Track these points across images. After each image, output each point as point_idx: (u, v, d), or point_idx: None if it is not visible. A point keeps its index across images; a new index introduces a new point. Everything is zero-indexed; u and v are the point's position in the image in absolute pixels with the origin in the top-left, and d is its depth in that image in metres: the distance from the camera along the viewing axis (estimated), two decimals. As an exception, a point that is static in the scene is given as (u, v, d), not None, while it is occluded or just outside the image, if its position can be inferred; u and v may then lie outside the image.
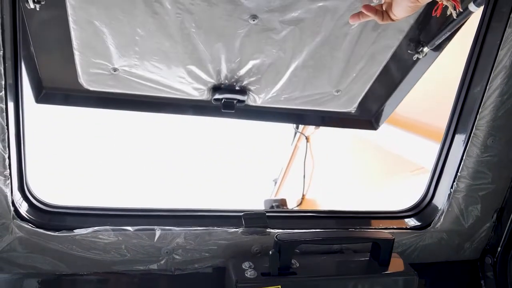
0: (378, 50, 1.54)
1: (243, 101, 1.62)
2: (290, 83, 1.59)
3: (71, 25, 1.28)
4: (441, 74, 2.46)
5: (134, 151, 8.04)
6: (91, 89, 1.51)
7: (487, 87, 1.52)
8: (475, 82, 1.57)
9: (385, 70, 1.67)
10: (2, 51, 1.20)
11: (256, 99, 1.65)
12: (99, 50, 1.36)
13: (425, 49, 1.62)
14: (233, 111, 1.63)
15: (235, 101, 1.61)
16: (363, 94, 1.75)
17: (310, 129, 4.40)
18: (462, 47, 1.66)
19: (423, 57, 1.64)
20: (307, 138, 4.50)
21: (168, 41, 1.35)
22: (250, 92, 1.60)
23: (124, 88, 1.52)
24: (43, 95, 1.54)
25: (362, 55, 1.55)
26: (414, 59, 1.65)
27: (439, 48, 1.65)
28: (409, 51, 1.62)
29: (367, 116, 1.93)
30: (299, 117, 1.85)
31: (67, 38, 1.34)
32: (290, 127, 4.79)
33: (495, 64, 1.48)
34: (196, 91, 1.57)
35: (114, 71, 1.44)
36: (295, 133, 4.78)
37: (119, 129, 7.94)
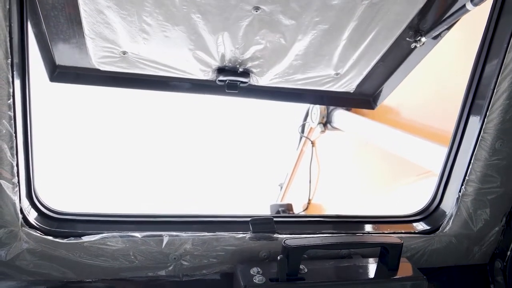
0: (378, 38, 1.59)
1: (246, 82, 1.69)
2: (291, 66, 1.65)
3: (82, 14, 1.35)
4: (447, 76, 2.46)
5: (140, 157, 8.05)
6: (102, 69, 1.58)
7: (495, 90, 1.51)
8: (483, 85, 1.57)
9: (384, 57, 1.72)
10: (10, 59, 1.21)
11: (258, 80, 1.72)
12: (109, 37, 1.43)
13: (423, 39, 1.64)
14: (237, 91, 1.70)
15: (238, 82, 1.68)
16: (361, 77, 1.81)
17: (315, 134, 4.39)
18: (469, 49, 1.66)
19: (420, 46, 1.66)
20: (312, 143, 4.50)
21: (174, 29, 1.42)
22: (253, 74, 1.68)
23: (133, 69, 1.60)
24: (57, 74, 1.60)
25: (362, 43, 1.60)
26: (412, 47, 1.68)
27: (436, 38, 1.67)
28: (407, 39, 1.64)
29: (365, 96, 1.97)
30: (299, 96, 1.90)
31: (79, 25, 1.39)
32: (296, 132, 4.79)
33: (503, 67, 1.48)
34: (201, 73, 1.64)
35: (124, 54, 1.52)
36: (301, 138, 4.77)
37: (124, 134, 7.96)
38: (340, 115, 3.92)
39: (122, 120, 7.66)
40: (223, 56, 1.55)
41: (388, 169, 3.23)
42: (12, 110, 1.27)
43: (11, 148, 1.29)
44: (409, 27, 1.59)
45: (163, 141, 8.14)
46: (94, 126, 7.72)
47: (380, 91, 1.93)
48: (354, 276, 1.54)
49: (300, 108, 4.61)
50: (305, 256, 1.52)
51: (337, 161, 4.24)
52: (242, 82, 1.66)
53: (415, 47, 1.67)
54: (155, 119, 7.84)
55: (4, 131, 1.27)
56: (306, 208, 4.54)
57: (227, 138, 8.40)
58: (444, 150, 1.76)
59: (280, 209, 4.39)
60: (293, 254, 1.43)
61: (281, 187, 5.27)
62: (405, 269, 1.58)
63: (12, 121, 1.28)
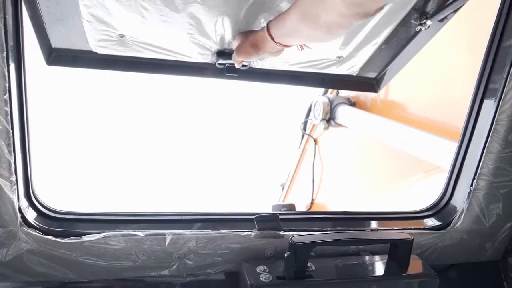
0: (382, 21, 1.55)
1: (246, 66, 1.65)
2: (292, 48, 1.62)
3: None
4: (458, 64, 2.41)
5: (141, 155, 8.05)
6: (99, 52, 1.56)
7: (507, 80, 1.47)
8: (494, 75, 1.53)
9: (388, 39, 1.68)
10: (5, 52, 1.18)
11: (258, 63, 1.69)
12: (106, 20, 1.40)
13: (429, 22, 1.60)
14: (237, 75, 1.67)
15: None
16: (364, 60, 1.78)
17: (318, 131, 4.35)
18: (479, 37, 1.63)
19: (425, 29, 1.62)
20: (315, 140, 4.45)
21: (173, 14, 1.39)
22: None
23: (131, 52, 1.57)
24: (53, 57, 1.56)
25: (365, 25, 1.57)
26: (417, 30, 1.64)
27: (442, 21, 1.63)
28: (412, 22, 1.60)
29: (368, 79, 1.93)
30: (301, 79, 1.85)
31: (75, 7, 1.36)
32: (298, 130, 4.75)
33: None
34: (201, 56, 1.61)
35: (121, 37, 1.49)
36: (303, 135, 4.73)
37: (125, 132, 7.96)
38: (344, 111, 3.88)
39: (123, 117, 7.66)
40: (222, 39, 1.52)
41: (395, 166, 3.19)
42: (9, 106, 1.23)
43: (8, 145, 1.25)
44: (415, 9, 1.54)
45: (165, 140, 8.14)
46: (94, 124, 7.72)
47: (384, 74, 1.90)
48: (363, 273, 1.50)
49: (302, 104, 4.57)
50: (312, 254, 1.49)
51: (341, 159, 4.20)
52: (242, 65, 1.63)
53: (420, 30, 1.63)
54: (157, 118, 7.84)
55: (0, 128, 1.23)
56: (310, 208, 4.51)
57: (228, 139, 8.39)
58: (454, 145, 1.72)
59: (282, 210, 4.36)
60: (300, 251, 1.39)
61: (283, 187, 5.23)
62: (416, 266, 1.54)
63: (9, 117, 1.24)
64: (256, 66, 1.69)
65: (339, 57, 1.71)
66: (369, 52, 1.72)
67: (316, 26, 1.15)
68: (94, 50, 1.53)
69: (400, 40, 1.70)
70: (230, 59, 1.59)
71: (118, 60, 1.60)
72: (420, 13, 1.56)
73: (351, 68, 1.80)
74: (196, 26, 1.45)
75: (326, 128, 4.10)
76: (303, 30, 1.21)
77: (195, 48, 1.55)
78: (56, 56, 1.55)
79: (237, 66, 1.55)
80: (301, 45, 1.40)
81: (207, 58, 1.60)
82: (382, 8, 1.06)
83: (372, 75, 1.88)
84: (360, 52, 1.70)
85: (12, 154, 1.27)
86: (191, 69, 1.69)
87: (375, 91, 1.95)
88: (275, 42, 1.33)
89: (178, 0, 1.34)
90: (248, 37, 1.42)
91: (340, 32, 1.24)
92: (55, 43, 1.51)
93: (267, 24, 1.34)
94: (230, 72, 1.64)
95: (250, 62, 1.64)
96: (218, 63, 1.62)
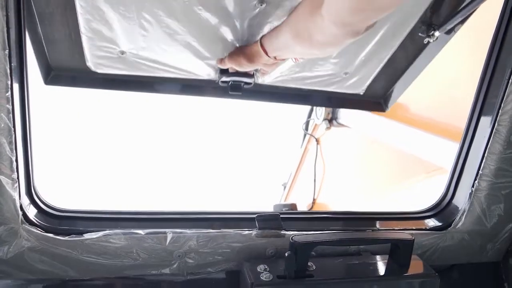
0: (389, 35, 1.53)
1: (250, 83, 1.61)
2: (297, 64, 1.59)
3: (78, 10, 1.29)
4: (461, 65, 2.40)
5: (142, 155, 8.05)
6: (99, 71, 1.52)
7: (509, 81, 1.46)
8: (497, 76, 1.52)
9: (395, 54, 1.65)
10: (7, 50, 1.17)
11: (263, 79, 1.65)
12: (107, 35, 1.37)
13: (437, 33, 1.57)
14: (240, 93, 1.63)
15: (242, 84, 1.60)
16: (372, 77, 1.74)
17: (320, 131, 4.34)
18: (482, 38, 1.62)
19: (434, 41, 1.60)
20: (317, 140, 4.44)
21: (175, 25, 1.36)
22: (257, 73, 1.61)
23: (132, 70, 1.53)
24: (52, 77, 1.54)
25: (372, 40, 1.54)
26: (425, 42, 1.61)
27: (450, 32, 1.60)
28: (420, 34, 1.57)
29: (376, 98, 1.89)
30: (306, 97, 1.81)
31: (74, 22, 1.34)
32: (300, 129, 4.74)
33: None
34: (204, 73, 1.57)
35: (122, 54, 1.45)
36: (305, 135, 4.72)
37: (126, 130, 7.95)
38: (346, 111, 3.87)
39: (124, 115, 7.65)
40: (226, 54, 1.49)
41: (397, 166, 3.18)
42: (11, 103, 1.22)
43: (10, 143, 1.25)
44: (422, 21, 1.53)
45: (166, 139, 8.13)
46: (97, 123, 7.71)
47: (392, 92, 1.86)
48: (364, 273, 1.50)
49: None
50: (313, 253, 1.48)
51: (343, 159, 4.19)
52: (246, 83, 1.59)
53: (428, 42, 1.59)
54: (158, 116, 7.83)
55: (2, 125, 1.23)
56: (311, 208, 4.50)
57: (230, 138, 8.38)
58: (456, 146, 1.72)
59: (284, 209, 4.35)
60: (301, 250, 1.39)
61: (285, 187, 5.22)
62: (417, 266, 1.54)
63: (11, 115, 1.23)
64: (261, 83, 1.66)
65: (346, 73, 1.68)
66: (377, 67, 1.69)
67: (309, 45, 1.16)
68: (94, 69, 1.50)
69: (407, 55, 1.68)
70: (233, 76, 1.55)
71: (119, 79, 1.57)
72: (427, 25, 1.54)
73: (358, 85, 1.76)
74: (200, 38, 1.42)
75: (328, 128, 4.10)
76: (295, 47, 1.21)
77: (198, 64, 1.52)
78: (55, 76, 1.53)
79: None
80: (295, 58, 1.40)
81: (210, 75, 1.58)
82: (372, 25, 1.05)
83: (380, 93, 1.85)
84: (367, 67, 1.67)
85: (14, 151, 1.27)
86: (194, 88, 1.65)
87: (383, 110, 1.90)
88: (269, 57, 1.33)
89: (180, 15, 1.32)
90: (243, 49, 1.41)
91: (334, 49, 1.24)
92: (54, 62, 1.48)
93: (260, 39, 1.34)
94: (234, 90, 1.60)
95: (253, 80, 1.61)
96: (221, 81, 1.58)
